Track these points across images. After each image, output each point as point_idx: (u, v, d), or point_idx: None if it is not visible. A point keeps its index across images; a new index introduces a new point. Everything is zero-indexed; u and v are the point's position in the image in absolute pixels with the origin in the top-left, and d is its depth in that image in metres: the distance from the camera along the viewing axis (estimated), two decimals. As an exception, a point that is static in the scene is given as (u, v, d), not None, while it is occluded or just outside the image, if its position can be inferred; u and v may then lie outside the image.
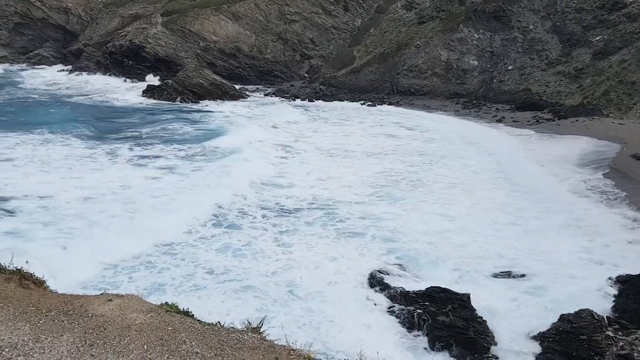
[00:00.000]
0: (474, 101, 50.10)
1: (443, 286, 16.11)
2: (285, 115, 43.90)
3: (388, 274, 17.71)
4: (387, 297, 16.48)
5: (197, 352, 6.21)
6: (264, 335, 6.89)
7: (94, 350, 6.09)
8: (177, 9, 62.25)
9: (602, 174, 29.67)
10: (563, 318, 14.52)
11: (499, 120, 44.33)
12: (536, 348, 14.47)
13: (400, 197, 25.70)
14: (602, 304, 16.04)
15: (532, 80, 49.14)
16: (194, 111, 44.79)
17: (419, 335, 14.97)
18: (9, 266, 7.92)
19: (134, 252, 18.32)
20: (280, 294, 16.41)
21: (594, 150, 34.40)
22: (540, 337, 14.61)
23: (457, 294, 15.67)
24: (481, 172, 30.60)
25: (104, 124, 38.51)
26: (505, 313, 15.94)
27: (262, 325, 7.27)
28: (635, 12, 48.20)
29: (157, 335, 6.49)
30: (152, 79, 55.32)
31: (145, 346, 6.23)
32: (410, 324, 15.25)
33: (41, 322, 6.56)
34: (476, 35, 53.23)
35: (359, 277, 17.70)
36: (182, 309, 7.44)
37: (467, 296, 15.57)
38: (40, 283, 7.92)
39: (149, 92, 50.15)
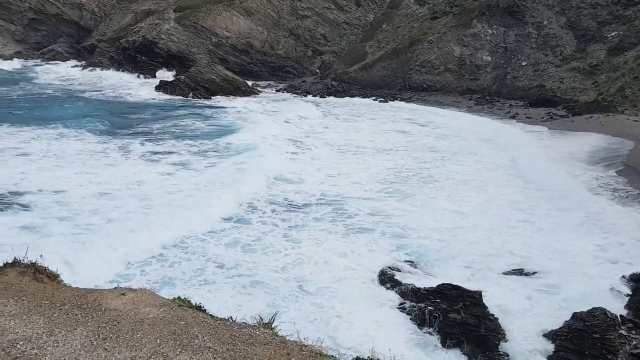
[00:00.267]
0: (487, 97, 49.65)
1: (454, 283, 16.04)
2: (297, 111, 43.86)
3: (399, 271, 17.65)
4: (398, 294, 16.43)
5: (210, 347, 6.24)
6: (275, 331, 6.90)
7: (107, 344, 6.14)
8: (190, 5, 62.42)
9: (615, 172, 29.38)
10: (576, 316, 14.42)
11: (513, 117, 43.97)
12: (549, 346, 14.38)
13: (411, 193, 25.58)
14: (616, 303, 15.90)
15: (546, 77, 48.60)
16: (206, 107, 44.88)
17: (430, 332, 14.93)
18: (23, 260, 8.01)
19: (148, 247, 18.42)
20: (290, 289, 16.42)
21: (607, 147, 34.05)
22: (553, 336, 14.52)
23: (469, 291, 15.61)
24: (494, 169, 30.38)
25: (117, 119, 38.72)
26: (518, 311, 15.84)
27: (273, 320, 7.29)
28: (652, 7, 47.60)
29: (170, 329, 6.52)
30: (165, 75, 55.58)
31: (157, 340, 6.27)
32: (421, 320, 15.21)
33: (55, 315, 6.63)
34: (490, 31, 52.75)
35: (368, 274, 17.67)
36: (194, 304, 7.48)
37: (479, 293, 15.51)
38: (54, 277, 7.99)
39: (162, 87, 50.38)
